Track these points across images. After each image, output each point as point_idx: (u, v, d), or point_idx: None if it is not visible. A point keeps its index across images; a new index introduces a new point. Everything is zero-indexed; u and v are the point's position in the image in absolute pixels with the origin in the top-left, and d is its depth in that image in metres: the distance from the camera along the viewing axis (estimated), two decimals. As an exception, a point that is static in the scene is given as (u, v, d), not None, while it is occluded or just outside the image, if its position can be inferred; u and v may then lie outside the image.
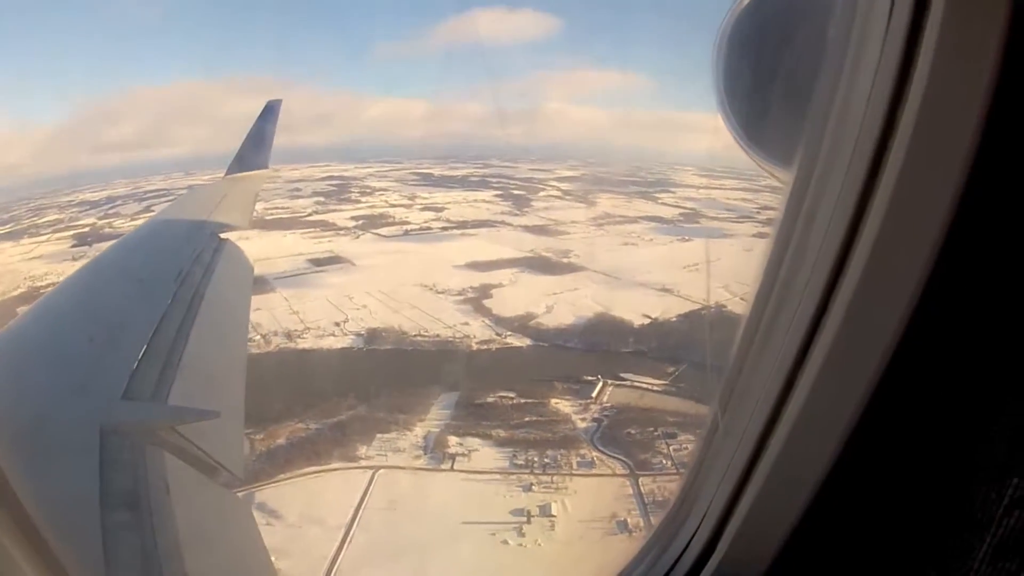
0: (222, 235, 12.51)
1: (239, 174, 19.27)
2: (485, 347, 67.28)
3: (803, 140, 2.40)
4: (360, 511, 44.16)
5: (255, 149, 20.21)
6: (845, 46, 2.15)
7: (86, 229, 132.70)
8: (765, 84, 2.96)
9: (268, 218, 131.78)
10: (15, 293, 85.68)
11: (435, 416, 53.96)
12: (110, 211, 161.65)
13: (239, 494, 30.67)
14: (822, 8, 2.57)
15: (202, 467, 5.33)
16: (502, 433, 50.81)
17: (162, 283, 9.04)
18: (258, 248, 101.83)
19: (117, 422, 5.13)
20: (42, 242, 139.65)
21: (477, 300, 78.98)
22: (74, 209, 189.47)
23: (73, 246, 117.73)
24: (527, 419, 52.19)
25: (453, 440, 50.68)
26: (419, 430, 52.37)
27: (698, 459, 3.04)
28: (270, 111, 21.21)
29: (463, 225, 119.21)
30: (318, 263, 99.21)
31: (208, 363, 7.61)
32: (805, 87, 2.58)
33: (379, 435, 51.84)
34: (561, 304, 75.39)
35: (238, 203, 15.93)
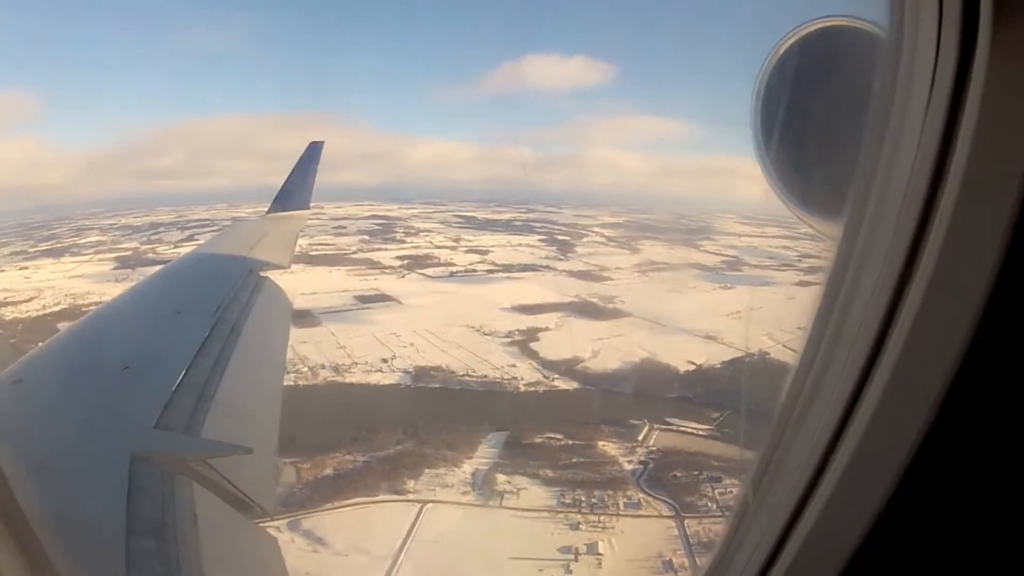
0: (262, 272, 12.56)
1: (281, 213, 19.25)
2: (532, 389, 67.75)
3: (851, 190, 2.36)
4: (407, 543, 44.48)
5: (297, 189, 20.25)
6: (890, 95, 2.17)
7: (128, 253, 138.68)
8: (801, 133, 3.00)
9: (313, 253, 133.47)
10: (55, 308, 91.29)
11: (483, 454, 54.51)
12: (153, 237, 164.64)
13: (282, 521, 32.20)
14: (859, 57, 2.67)
15: (231, 501, 5.37)
16: (550, 473, 51.16)
17: (200, 316, 9.10)
18: (304, 282, 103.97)
19: (148, 451, 5.13)
20: (84, 261, 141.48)
21: (524, 343, 79.78)
22: (116, 232, 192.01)
23: (115, 268, 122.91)
24: (574, 460, 52.58)
25: (502, 478, 51.08)
26: (467, 467, 52.86)
27: (744, 501, 2.95)
28: (313, 152, 21.34)
29: (508, 268, 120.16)
30: (364, 300, 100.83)
31: (243, 398, 7.59)
32: (843, 137, 2.68)
33: (428, 470, 52.31)
34: (608, 349, 75.81)
35: (279, 242, 15.78)
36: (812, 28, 2.78)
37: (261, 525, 5.52)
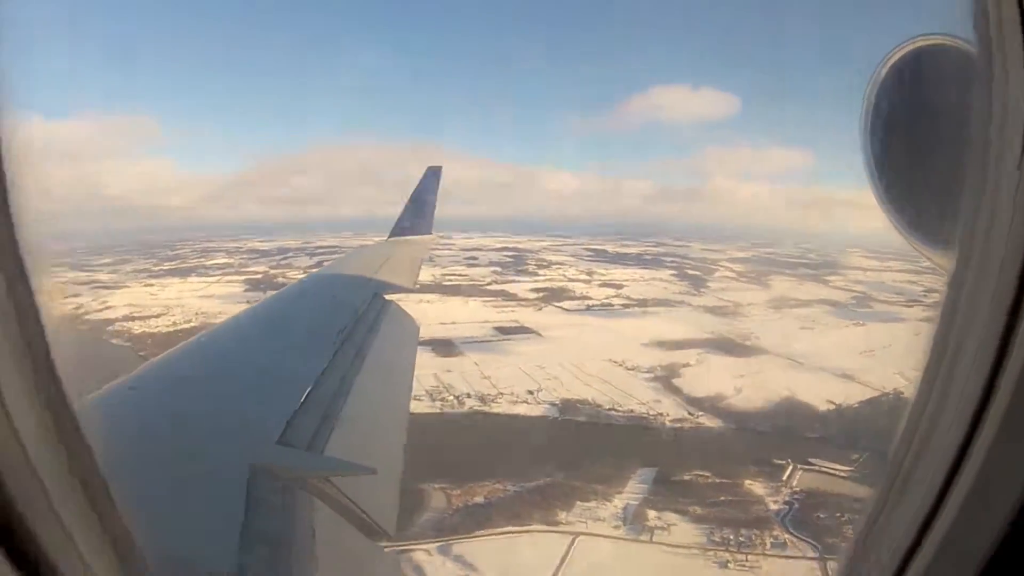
0: (387, 296, 12.35)
1: (403, 237, 18.99)
2: (679, 425, 69.52)
3: (958, 219, 2.06)
4: (559, 572, 46.38)
5: (418, 214, 20.01)
6: (988, 116, 1.93)
7: (258, 276, 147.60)
8: (909, 159, 2.87)
9: (447, 284, 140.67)
10: (186, 325, 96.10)
11: (633, 489, 56.34)
12: (281, 262, 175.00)
13: (433, 545, 36.26)
14: (958, 76, 2.37)
15: (353, 519, 5.28)
16: (699, 510, 52.63)
17: (325, 337, 8.97)
18: (441, 312, 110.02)
19: (269, 465, 5.07)
20: (212, 282, 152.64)
21: (667, 379, 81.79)
22: (243, 255, 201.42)
23: (246, 290, 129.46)
24: (722, 498, 54.16)
25: (652, 513, 52.64)
26: (618, 501, 54.69)
27: (864, 532, 2.42)
28: (432, 177, 21.13)
29: (644, 303, 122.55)
30: (504, 331, 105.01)
31: (368, 419, 7.46)
32: (947, 161, 2.49)
33: (579, 502, 54.24)
34: (748, 387, 77.50)
35: (403, 266, 15.39)
36: (906, 50, 2.79)
37: (385, 546, 5.51)
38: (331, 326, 9.42)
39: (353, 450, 6.09)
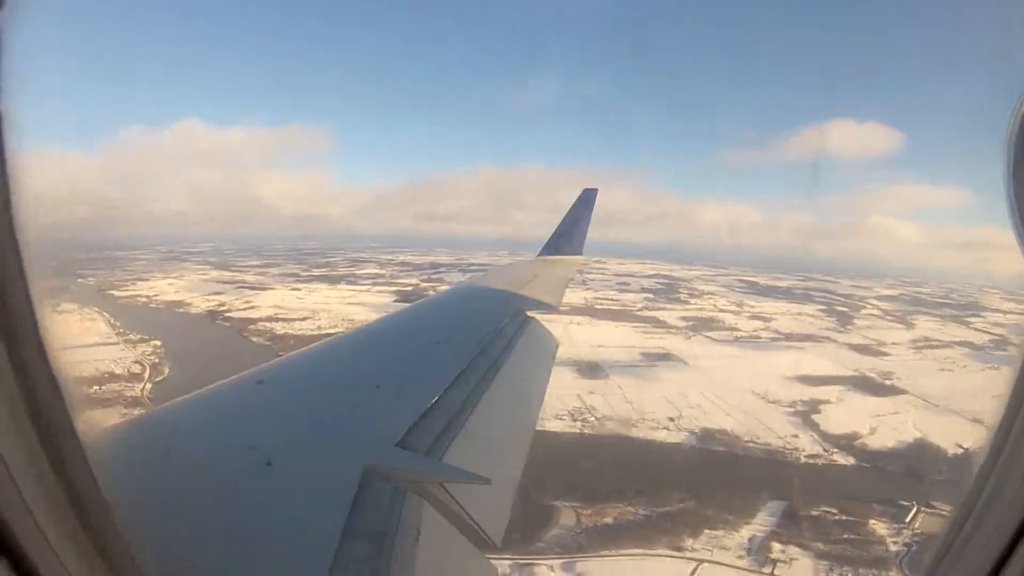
0: (529, 312, 12.31)
1: (553, 256, 19.00)
2: (812, 461, 70.52)
3: None
4: None
5: (570, 234, 19.87)
6: None
7: (409, 288, 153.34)
8: None
9: (599, 307, 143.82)
10: (331, 330, 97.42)
11: (761, 521, 57.64)
12: (433, 276, 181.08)
13: (557, 561, 40.64)
14: None
15: (461, 526, 5.12)
16: (821, 546, 53.64)
17: (462, 346, 8.98)
18: (591, 334, 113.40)
19: (383, 465, 5.01)
20: (361, 291, 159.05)
21: (806, 414, 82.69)
22: (395, 267, 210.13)
23: (395, 301, 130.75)
24: (845, 536, 55.02)
25: (777, 546, 53.88)
26: (745, 532, 56.13)
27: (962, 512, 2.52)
28: (587, 199, 20.80)
29: (790, 337, 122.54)
30: (651, 358, 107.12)
31: (493, 432, 7.24)
32: None
33: (707, 530, 55.77)
34: (883, 427, 77.74)
35: (550, 284, 15.35)
36: None
37: (489, 557, 5.32)
38: (470, 336, 9.64)
39: (472, 460, 6.01)
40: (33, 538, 1.73)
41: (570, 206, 20.66)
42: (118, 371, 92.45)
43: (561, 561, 51.00)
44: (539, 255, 19.21)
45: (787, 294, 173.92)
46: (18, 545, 1.69)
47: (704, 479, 63.42)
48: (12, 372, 1.64)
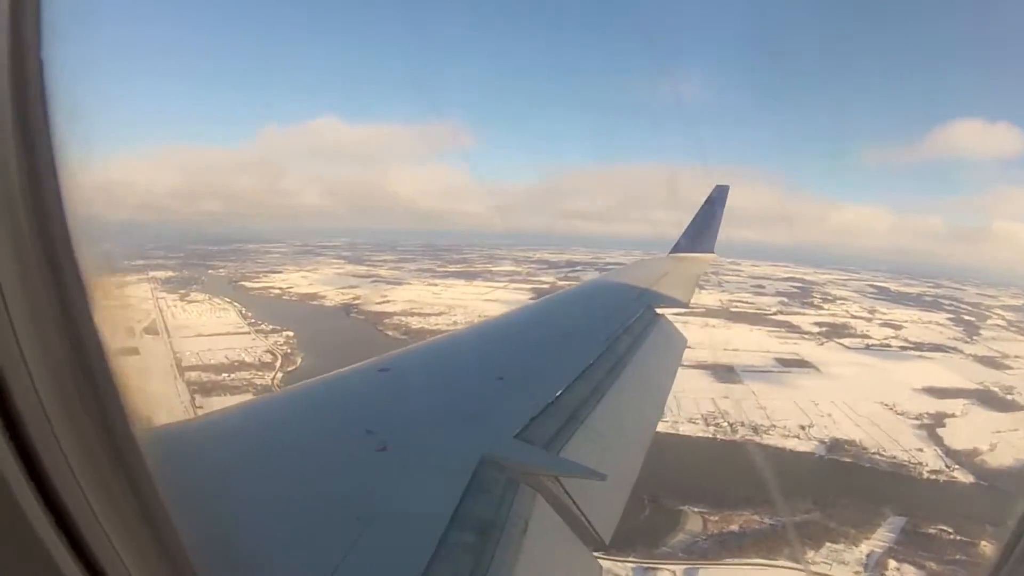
0: (659, 309, 12.15)
1: (684, 254, 18.79)
2: (934, 477, 70.70)
3: None
4: None
5: (701, 232, 19.47)
6: None
7: (545, 286, 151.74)
8: None
9: (734, 310, 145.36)
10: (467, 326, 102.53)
11: (881, 536, 58.32)
12: (570, 274, 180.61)
13: (680, 566, 46.35)
14: None
15: (571, 521, 5.01)
16: (934, 566, 54.37)
17: (590, 342, 8.85)
18: (726, 337, 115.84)
19: (500, 456, 4.96)
20: (498, 288, 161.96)
21: (932, 428, 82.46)
22: (532, 265, 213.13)
23: (531, 298, 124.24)
24: (957, 556, 55.48)
25: (892, 564, 54.61)
26: (864, 547, 56.87)
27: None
28: (718, 196, 20.14)
29: (919, 347, 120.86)
30: (784, 363, 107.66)
31: (613, 429, 6.94)
32: None
33: (828, 544, 56.64)
34: (1003, 443, 76.83)
35: (680, 282, 15.23)
36: None
37: (597, 555, 5.13)
38: (598, 331, 9.45)
39: (589, 456, 5.86)
40: (89, 524, 1.76)
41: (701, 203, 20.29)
42: (248, 360, 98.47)
43: (684, 566, 52.72)
44: (670, 252, 19.02)
45: (917, 301, 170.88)
46: (80, 535, 1.73)
47: (831, 490, 64.12)
48: (71, 371, 1.70)
